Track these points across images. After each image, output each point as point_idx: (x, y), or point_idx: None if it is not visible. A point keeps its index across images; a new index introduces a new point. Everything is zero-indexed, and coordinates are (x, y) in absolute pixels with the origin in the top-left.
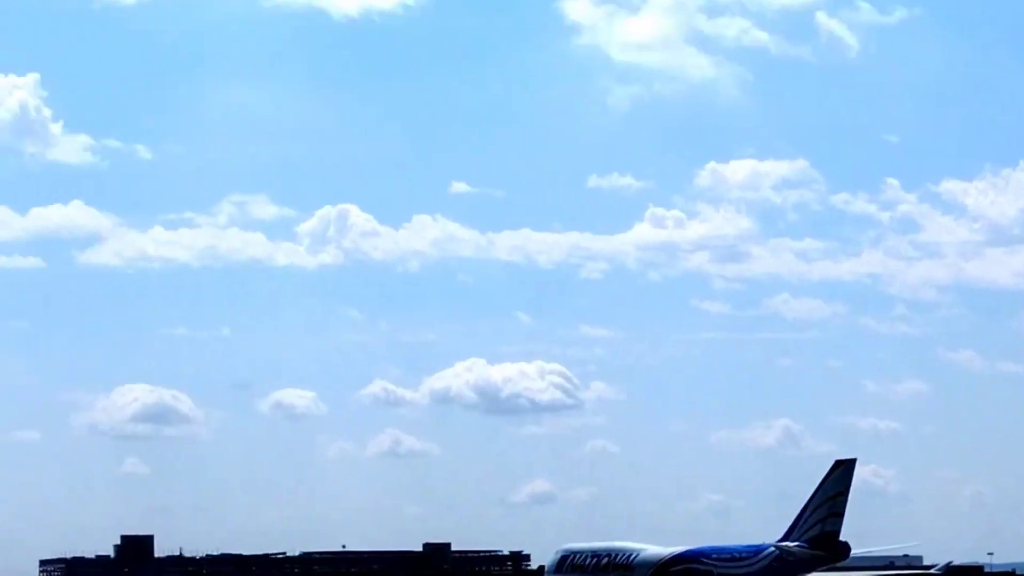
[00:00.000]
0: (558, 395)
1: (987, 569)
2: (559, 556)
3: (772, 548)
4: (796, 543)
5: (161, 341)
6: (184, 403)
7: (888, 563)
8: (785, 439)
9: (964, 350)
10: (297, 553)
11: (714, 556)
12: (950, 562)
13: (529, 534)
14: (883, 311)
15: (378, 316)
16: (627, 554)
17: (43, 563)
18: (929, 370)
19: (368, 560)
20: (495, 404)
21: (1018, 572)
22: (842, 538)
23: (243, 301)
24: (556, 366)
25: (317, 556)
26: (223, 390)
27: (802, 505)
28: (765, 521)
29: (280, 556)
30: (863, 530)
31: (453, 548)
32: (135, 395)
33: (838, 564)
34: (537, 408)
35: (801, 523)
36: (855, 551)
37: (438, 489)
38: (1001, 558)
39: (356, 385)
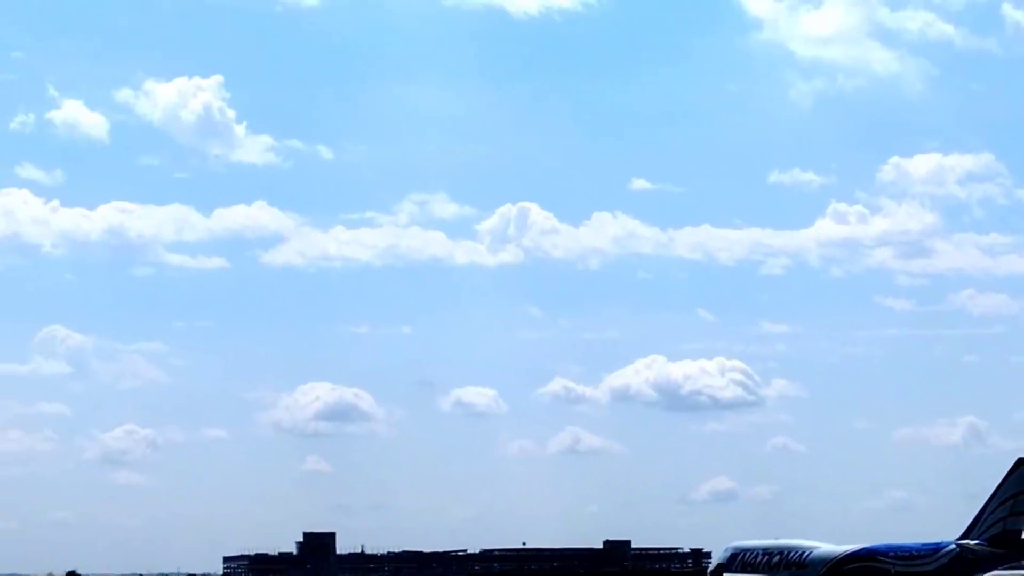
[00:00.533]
0: (739, 392)
1: None
2: (729, 553)
3: (951, 546)
4: (976, 541)
5: (343, 339)
6: (365, 401)
7: None
8: (970, 436)
9: None
10: (477, 550)
11: (891, 554)
12: None
13: (709, 532)
14: None
15: (558, 314)
16: (800, 552)
17: (227, 559)
18: None
19: (548, 557)
20: (675, 401)
21: None
22: None
23: (423, 299)
24: (737, 363)
25: (497, 553)
26: (404, 388)
27: (983, 503)
28: (948, 519)
29: (460, 553)
30: None
31: (633, 546)
32: (317, 393)
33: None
34: (718, 405)
35: (982, 521)
36: None
37: (618, 486)
38: None
39: (536, 383)
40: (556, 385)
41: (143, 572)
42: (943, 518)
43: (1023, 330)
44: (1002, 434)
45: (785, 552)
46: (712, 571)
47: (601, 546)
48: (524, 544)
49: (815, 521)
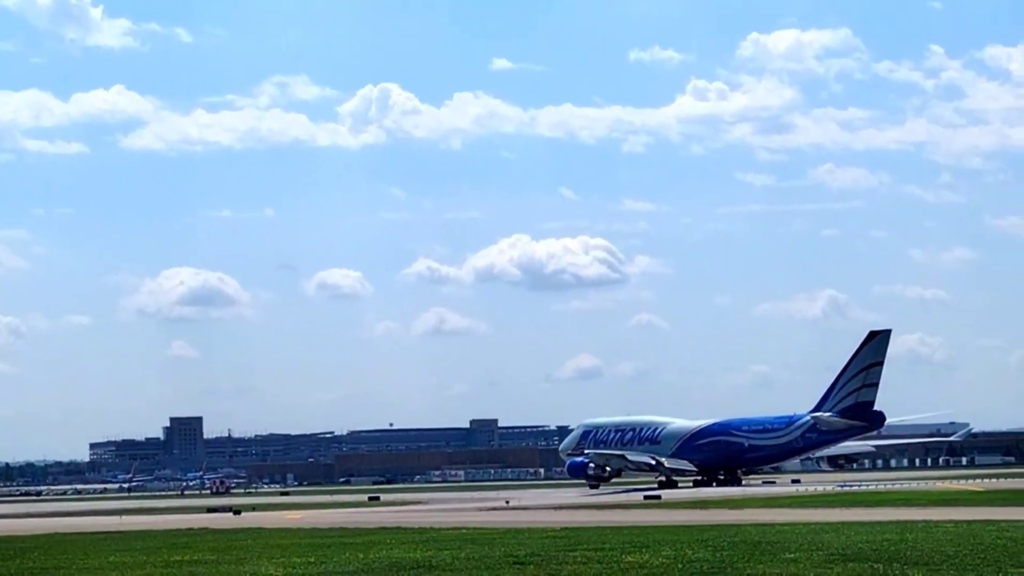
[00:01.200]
0: (603, 270)
1: None
2: (581, 431)
3: (805, 418)
4: (829, 413)
5: (205, 224)
6: (230, 285)
7: (935, 431)
8: (831, 310)
9: (1010, 216)
10: (345, 432)
11: (744, 428)
12: (970, 429)
13: (575, 409)
14: (928, 179)
15: (421, 195)
16: (652, 427)
17: (94, 446)
18: (975, 238)
19: (415, 438)
20: (539, 280)
21: None
22: (880, 407)
23: (286, 183)
24: (600, 241)
25: (364, 434)
26: (268, 272)
27: (835, 376)
28: (809, 392)
29: (328, 435)
30: (909, 398)
31: (499, 424)
32: (181, 278)
33: (883, 433)
34: (582, 283)
35: (835, 393)
36: (890, 420)
37: (483, 366)
38: None
39: (400, 264)
40: (420, 266)
41: (9, 461)
42: (804, 391)
43: (881, 204)
44: (861, 307)
45: (638, 428)
46: (563, 448)
47: (468, 425)
48: (391, 425)
49: (679, 397)
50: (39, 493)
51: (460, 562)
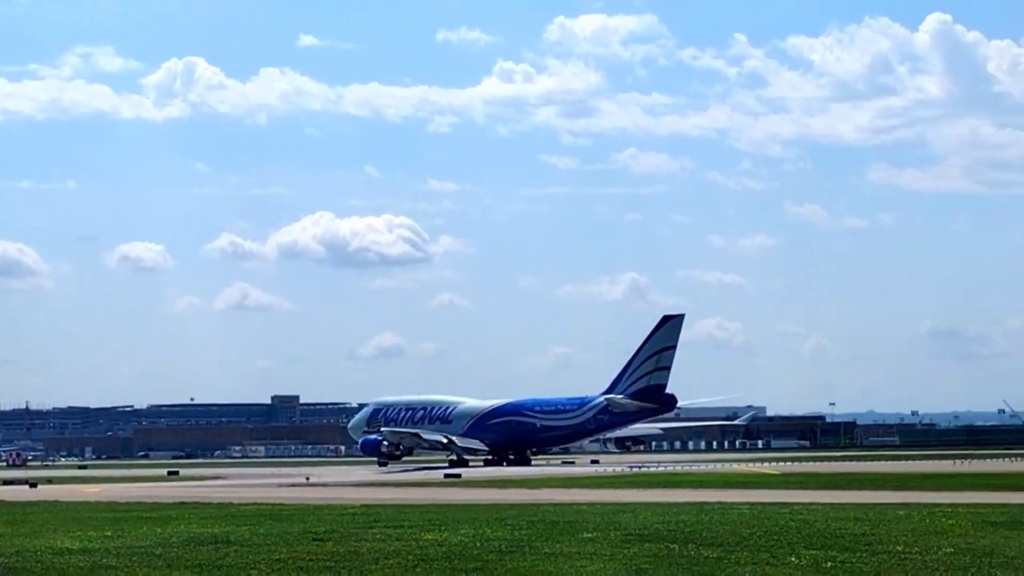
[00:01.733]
0: (407, 249)
1: (828, 419)
2: (371, 410)
3: (598, 400)
4: (622, 396)
5: (5, 194)
6: (29, 256)
7: (732, 414)
8: (632, 293)
9: (809, 204)
10: (144, 406)
11: (536, 409)
12: (755, 413)
13: (377, 386)
14: (729, 166)
15: (225, 169)
16: (443, 407)
17: None
18: (774, 225)
19: (216, 413)
20: (343, 258)
21: (859, 422)
22: (676, 390)
23: (89, 155)
24: (405, 219)
25: (165, 409)
26: (69, 244)
27: (627, 359)
28: (610, 374)
29: (127, 409)
30: (704, 382)
31: (301, 400)
32: None
33: (681, 415)
34: (386, 262)
35: (627, 376)
36: (684, 402)
37: (286, 342)
38: (842, 409)
39: (204, 239)
40: (223, 241)
41: None
42: (605, 373)
43: (683, 189)
44: (662, 291)
45: (428, 407)
46: (353, 426)
47: (269, 401)
48: (192, 400)
49: (480, 376)
50: None
51: (259, 538)
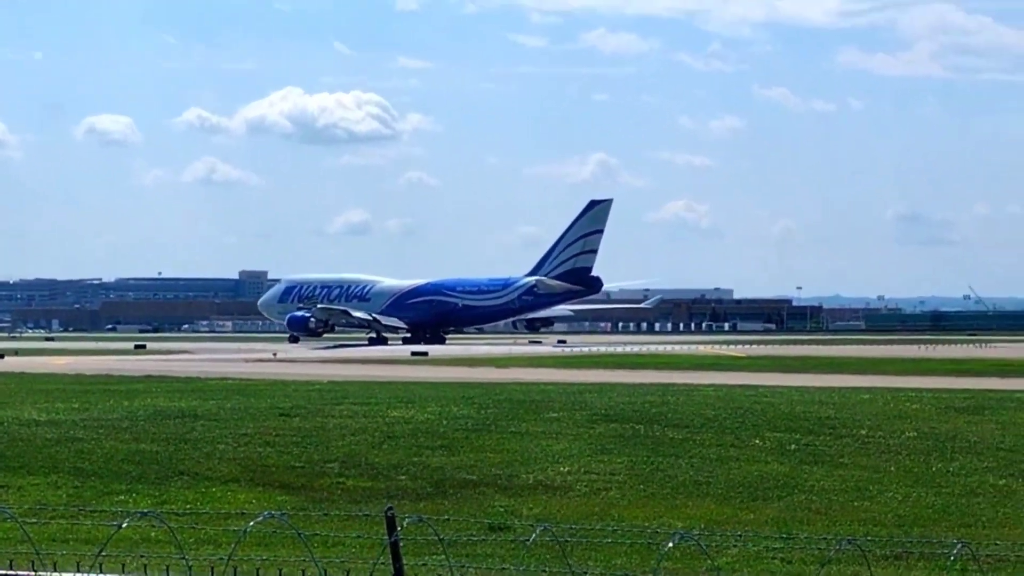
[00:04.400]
0: (375, 126)
1: (795, 303)
2: (283, 287)
3: (524, 281)
4: (547, 277)
5: None
6: None
7: (700, 296)
8: (601, 173)
9: (778, 87)
10: (112, 279)
11: (459, 289)
12: (660, 297)
13: (344, 262)
14: (699, 47)
15: (194, 42)
16: (361, 286)
17: None
18: (743, 107)
19: (184, 287)
20: (312, 134)
21: (825, 306)
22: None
23: (56, 24)
24: (373, 96)
25: (133, 282)
26: (36, 115)
27: (553, 242)
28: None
29: (95, 282)
30: (672, 263)
31: (269, 276)
32: None
33: (612, 298)
34: (354, 139)
35: (552, 258)
36: (616, 284)
37: (255, 218)
38: (809, 293)
39: (171, 112)
40: (191, 115)
41: None
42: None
43: (652, 69)
44: (631, 171)
45: (345, 286)
46: (264, 303)
47: (237, 276)
48: (160, 273)
49: (447, 254)
50: None
51: (226, 412)
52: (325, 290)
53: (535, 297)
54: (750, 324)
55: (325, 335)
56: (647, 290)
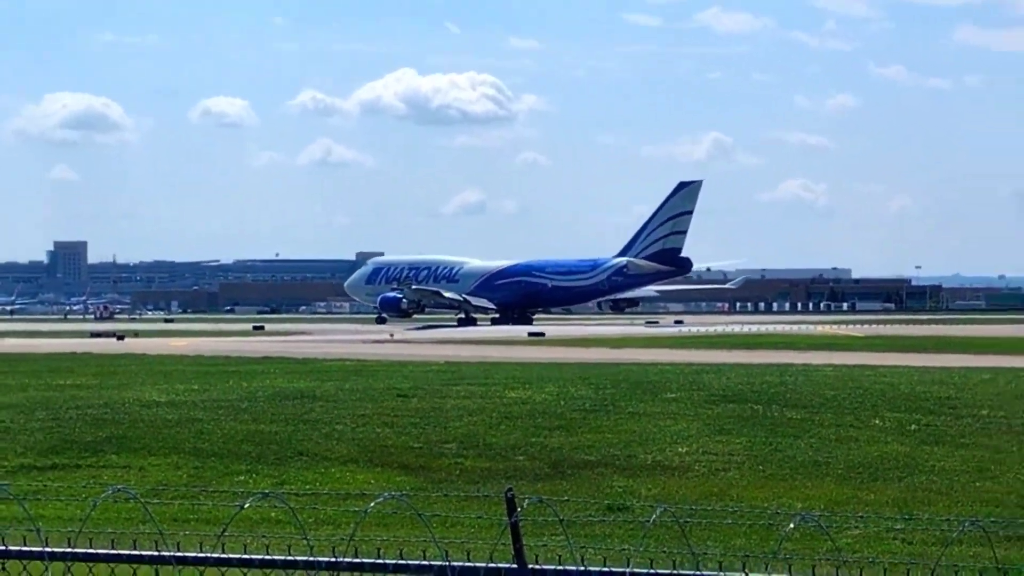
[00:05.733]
0: (490, 106)
1: (914, 282)
2: (370, 269)
3: (613, 262)
4: (638, 258)
5: (88, 48)
6: (114, 110)
7: (818, 276)
8: (715, 152)
9: (894, 65)
10: (231, 261)
11: (548, 270)
12: (745, 278)
13: (458, 243)
14: (814, 25)
15: (307, 24)
16: (449, 267)
17: None
18: (858, 85)
19: (302, 268)
20: (425, 115)
21: (945, 286)
22: (760, 250)
23: (170, 8)
24: (488, 77)
25: (251, 264)
26: (152, 98)
27: (643, 222)
28: (691, 232)
29: (213, 264)
30: (788, 243)
31: (385, 257)
32: (64, 102)
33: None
34: (468, 119)
35: (641, 239)
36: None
37: (369, 199)
38: (928, 272)
39: (286, 95)
40: (305, 96)
41: None
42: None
43: (765, 48)
44: (745, 150)
45: (432, 267)
46: (351, 284)
47: (354, 257)
48: (277, 255)
49: (561, 234)
50: None
51: (344, 393)
52: (413, 271)
53: (624, 278)
54: (868, 304)
55: (414, 315)
56: (764, 269)
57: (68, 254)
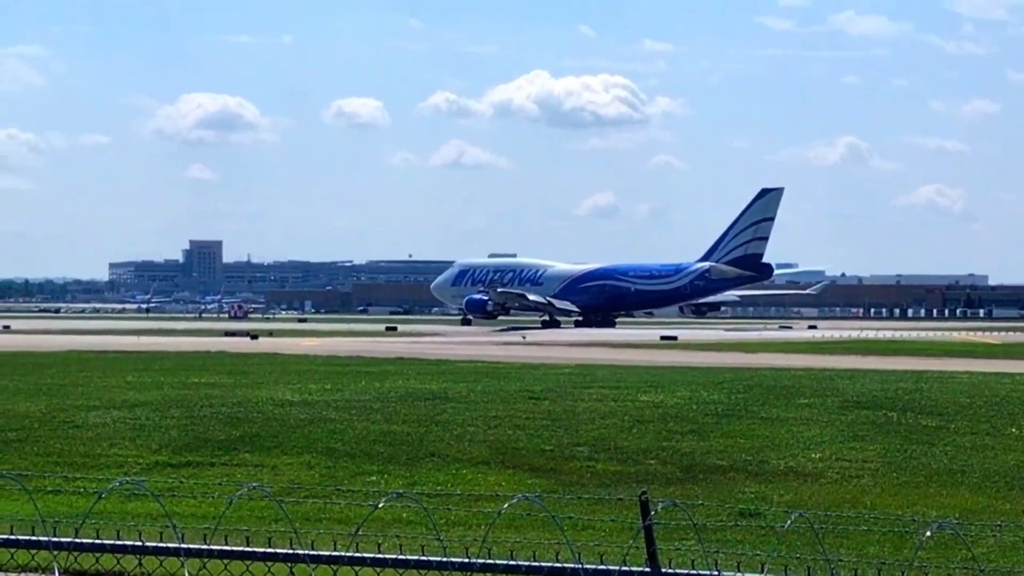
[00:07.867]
0: (623, 109)
1: None
2: (456, 271)
3: (696, 266)
4: (722, 263)
5: (224, 49)
6: (249, 110)
7: (954, 282)
8: (850, 157)
9: None
10: (364, 262)
11: (631, 273)
12: (825, 283)
13: (591, 246)
14: (950, 30)
15: (440, 26)
16: (534, 270)
17: (113, 266)
18: (996, 90)
19: (435, 269)
20: (558, 117)
21: None
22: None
23: (304, 9)
24: (620, 79)
25: (384, 264)
26: (286, 98)
27: (725, 228)
28: (824, 236)
29: (347, 264)
30: (924, 249)
31: (517, 259)
32: (199, 102)
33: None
34: (601, 122)
35: (724, 244)
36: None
37: (502, 201)
38: None
39: (419, 95)
40: (438, 98)
41: (28, 277)
42: (818, 237)
43: (901, 52)
44: (882, 155)
45: (517, 270)
46: (437, 286)
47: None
48: (410, 256)
49: (694, 237)
50: (57, 310)
51: (476, 394)
52: (498, 274)
53: (707, 282)
54: (1005, 311)
55: (499, 317)
56: (899, 275)
57: (203, 253)
